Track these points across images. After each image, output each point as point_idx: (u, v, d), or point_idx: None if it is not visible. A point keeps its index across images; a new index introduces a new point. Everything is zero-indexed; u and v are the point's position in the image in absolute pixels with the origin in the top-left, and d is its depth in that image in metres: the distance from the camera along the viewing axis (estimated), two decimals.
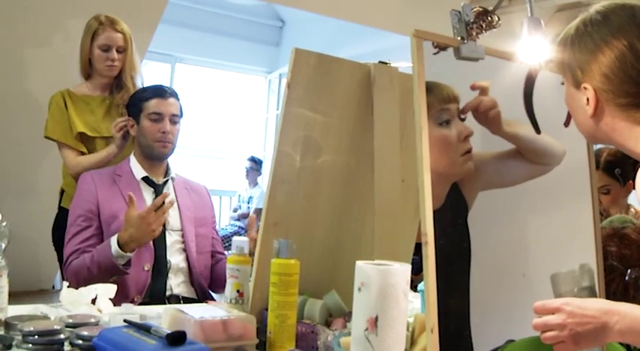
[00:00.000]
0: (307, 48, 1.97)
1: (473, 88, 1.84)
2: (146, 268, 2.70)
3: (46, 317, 1.92)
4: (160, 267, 2.75)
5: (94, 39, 3.36)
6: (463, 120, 1.84)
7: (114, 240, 2.57)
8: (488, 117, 1.86)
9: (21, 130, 5.74)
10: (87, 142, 3.36)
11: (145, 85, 3.33)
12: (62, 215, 3.42)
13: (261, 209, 8.17)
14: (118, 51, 3.36)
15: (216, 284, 2.90)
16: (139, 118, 2.95)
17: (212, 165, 10.87)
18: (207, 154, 10.96)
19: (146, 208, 2.59)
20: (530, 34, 1.89)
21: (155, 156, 2.93)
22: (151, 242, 2.72)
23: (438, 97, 1.75)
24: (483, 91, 1.85)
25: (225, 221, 9.65)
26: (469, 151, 1.84)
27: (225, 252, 3.54)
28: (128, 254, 2.57)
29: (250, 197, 9.36)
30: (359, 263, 1.49)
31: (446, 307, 1.61)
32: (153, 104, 2.93)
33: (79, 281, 2.55)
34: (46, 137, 3.40)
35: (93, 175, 2.89)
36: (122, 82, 3.39)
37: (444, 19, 1.93)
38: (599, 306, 1.48)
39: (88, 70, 3.43)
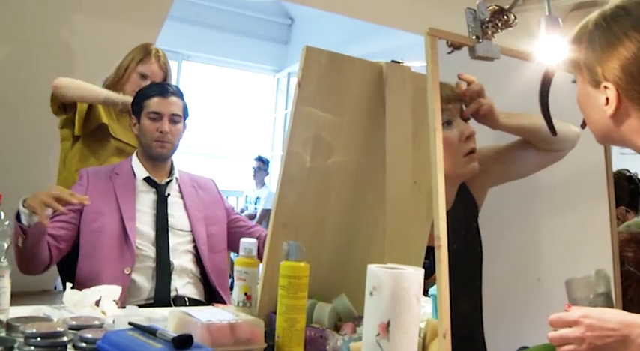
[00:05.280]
0: (316, 46, 1.96)
1: (460, 78, 1.84)
2: (126, 272, 2.66)
3: (48, 319, 1.91)
4: (163, 268, 2.73)
5: (139, 63, 3.48)
6: (467, 120, 1.84)
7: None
8: (479, 114, 1.85)
9: (25, 128, 5.75)
10: (101, 136, 3.39)
11: None
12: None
13: (268, 210, 8.16)
14: None
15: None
16: (140, 117, 2.94)
17: (219, 165, 10.85)
18: (214, 154, 10.96)
19: (63, 190, 2.50)
20: (548, 34, 1.87)
21: (154, 156, 2.92)
22: (151, 244, 2.75)
23: None
24: (468, 79, 1.84)
25: None
26: (472, 152, 1.83)
27: (232, 254, 3.54)
28: (25, 210, 2.45)
29: (257, 198, 9.35)
30: (371, 267, 1.49)
31: (458, 312, 1.60)
32: (153, 103, 2.92)
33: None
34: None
35: (89, 173, 2.90)
36: None
37: (456, 17, 1.93)
38: (619, 318, 1.44)
39: (116, 86, 3.47)
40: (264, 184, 9.54)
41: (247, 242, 1.97)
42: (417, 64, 2.22)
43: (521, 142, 1.94)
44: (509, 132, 1.92)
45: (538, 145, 1.94)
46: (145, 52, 3.49)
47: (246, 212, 9.32)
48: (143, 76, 3.44)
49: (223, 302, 2.69)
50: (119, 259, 2.67)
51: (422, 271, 1.50)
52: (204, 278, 2.83)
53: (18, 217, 2.47)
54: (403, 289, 1.44)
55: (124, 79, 3.47)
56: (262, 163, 9.57)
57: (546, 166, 1.98)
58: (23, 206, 2.46)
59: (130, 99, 3.13)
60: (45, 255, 2.63)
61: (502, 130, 1.90)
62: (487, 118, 1.86)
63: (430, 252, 2.22)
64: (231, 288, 2.70)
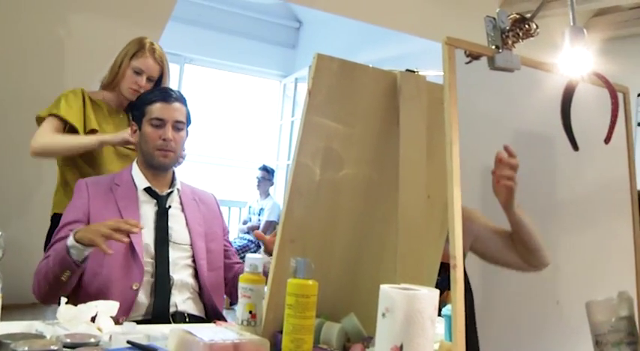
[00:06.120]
0: (325, 51, 1.96)
1: (505, 148, 1.82)
2: (134, 288, 2.65)
3: (41, 336, 1.90)
4: (163, 283, 2.71)
5: (132, 58, 3.46)
6: None
7: (75, 229, 2.54)
8: (501, 184, 1.83)
9: (16, 130, 5.74)
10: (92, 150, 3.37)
11: None
12: (52, 225, 3.42)
13: (272, 221, 8.13)
14: (148, 78, 3.45)
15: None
16: (142, 123, 2.92)
17: (221, 173, 10.85)
18: (217, 162, 10.95)
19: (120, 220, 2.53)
20: (573, 45, 1.86)
21: (155, 165, 2.90)
22: (150, 258, 2.73)
23: None
24: (510, 153, 1.83)
25: (233, 234, 9.60)
26: None
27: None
28: (78, 245, 2.48)
29: (261, 209, 9.33)
30: (384, 287, 1.48)
31: (471, 334, 1.60)
32: (156, 109, 2.90)
33: (39, 280, 2.58)
34: (40, 117, 3.39)
35: (88, 183, 2.88)
36: None
37: (473, 25, 1.92)
38: None
39: (113, 84, 3.47)
40: (268, 194, 9.51)
41: (253, 258, 1.97)
42: (432, 73, 2.21)
43: (509, 234, 1.92)
44: (511, 218, 1.89)
45: (518, 247, 1.91)
46: (139, 46, 3.47)
47: (249, 224, 9.31)
48: (138, 72, 3.43)
49: (223, 319, 2.68)
50: (127, 275, 2.66)
51: (437, 292, 1.49)
52: (203, 296, 2.81)
53: (67, 251, 2.49)
54: (417, 312, 1.43)
55: (118, 77, 3.46)
56: (267, 173, 9.55)
57: (509, 269, 1.94)
58: (75, 240, 2.48)
59: (124, 134, 3.16)
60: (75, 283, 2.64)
61: (509, 213, 1.88)
62: (507, 194, 1.85)
63: (441, 268, 2.21)
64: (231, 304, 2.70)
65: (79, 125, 3.35)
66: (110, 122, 3.47)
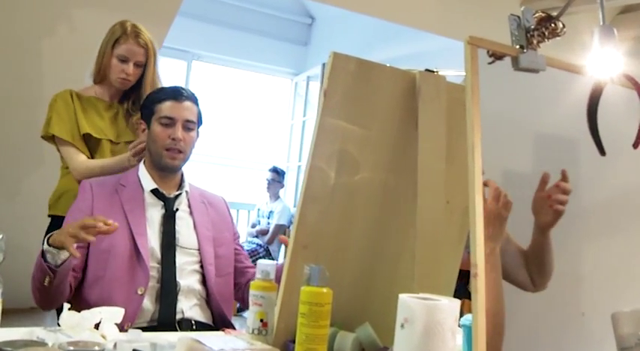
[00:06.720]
0: (338, 48, 1.96)
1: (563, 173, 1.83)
2: (139, 292, 2.64)
3: (43, 343, 1.89)
4: (169, 289, 2.70)
5: (114, 46, 3.40)
6: None
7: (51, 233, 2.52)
8: (553, 208, 1.83)
9: (17, 130, 5.75)
10: (92, 145, 3.37)
11: None
12: (51, 226, 3.42)
13: (281, 225, 8.09)
14: (135, 65, 3.40)
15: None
16: (150, 122, 2.91)
17: (230, 175, 10.84)
18: (225, 163, 10.94)
19: (92, 218, 2.48)
20: (602, 46, 1.85)
21: (163, 166, 2.89)
22: (156, 263, 2.72)
23: None
24: (565, 178, 1.83)
25: (242, 238, 9.56)
26: None
27: None
28: (52, 249, 2.45)
29: (271, 212, 9.29)
30: (403, 297, 1.47)
31: None
32: (166, 107, 2.88)
33: (32, 286, 2.56)
34: (45, 137, 3.39)
35: (92, 184, 2.86)
36: (136, 93, 3.44)
37: (492, 22, 1.91)
38: None
39: (101, 75, 3.44)
40: (278, 197, 9.48)
41: (265, 264, 1.96)
42: (452, 72, 2.21)
43: (524, 254, 1.92)
44: (543, 240, 1.88)
45: (532, 269, 1.91)
46: (121, 32, 3.40)
47: (258, 227, 9.28)
48: (123, 60, 3.39)
49: (232, 327, 2.67)
50: (131, 280, 2.65)
51: (457, 302, 1.49)
52: (210, 303, 2.80)
53: (43, 255, 2.48)
54: (437, 323, 1.43)
55: (103, 67, 3.43)
56: (277, 175, 9.51)
57: (512, 284, 1.95)
58: (48, 244, 2.46)
59: (125, 156, 3.15)
60: (67, 289, 2.63)
61: (544, 235, 1.87)
62: (555, 218, 1.85)
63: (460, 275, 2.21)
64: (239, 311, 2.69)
65: (80, 145, 3.35)
66: (105, 117, 3.44)
